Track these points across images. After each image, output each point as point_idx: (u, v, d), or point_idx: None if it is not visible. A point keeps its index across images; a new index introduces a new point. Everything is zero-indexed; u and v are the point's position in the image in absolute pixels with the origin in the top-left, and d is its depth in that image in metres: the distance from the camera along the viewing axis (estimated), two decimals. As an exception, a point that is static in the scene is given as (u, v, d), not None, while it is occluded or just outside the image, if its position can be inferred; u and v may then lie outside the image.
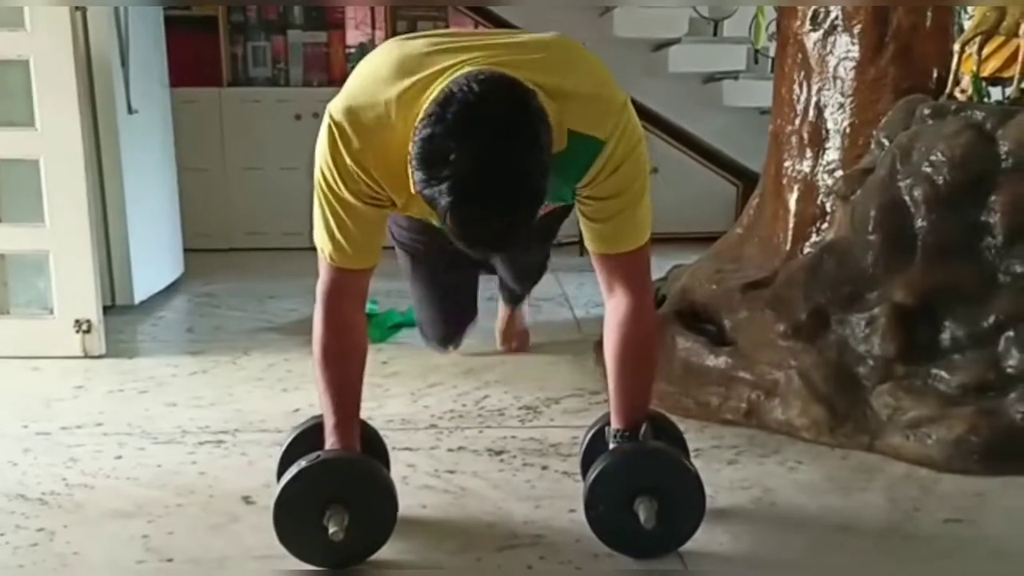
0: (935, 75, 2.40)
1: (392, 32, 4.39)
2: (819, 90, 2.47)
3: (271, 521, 1.48)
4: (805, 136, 2.49)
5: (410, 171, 1.27)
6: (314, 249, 1.53)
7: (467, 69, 1.32)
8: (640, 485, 1.52)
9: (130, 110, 3.10)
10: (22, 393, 2.38)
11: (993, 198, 2.09)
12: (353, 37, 4.42)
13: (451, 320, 2.44)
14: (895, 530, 1.68)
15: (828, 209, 2.40)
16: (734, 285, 2.40)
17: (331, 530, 1.45)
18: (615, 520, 1.54)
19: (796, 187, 2.49)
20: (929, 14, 2.38)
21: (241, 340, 2.87)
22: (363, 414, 1.62)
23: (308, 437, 1.64)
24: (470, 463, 1.95)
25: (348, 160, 1.39)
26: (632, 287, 1.55)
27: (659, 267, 2.40)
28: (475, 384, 2.44)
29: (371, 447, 1.64)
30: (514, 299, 2.70)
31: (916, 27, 2.38)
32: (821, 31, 2.46)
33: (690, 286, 2.52)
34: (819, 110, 2.47)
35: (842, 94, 2.43)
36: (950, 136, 2.12)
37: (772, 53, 4.03)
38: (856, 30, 2.40)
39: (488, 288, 2.67)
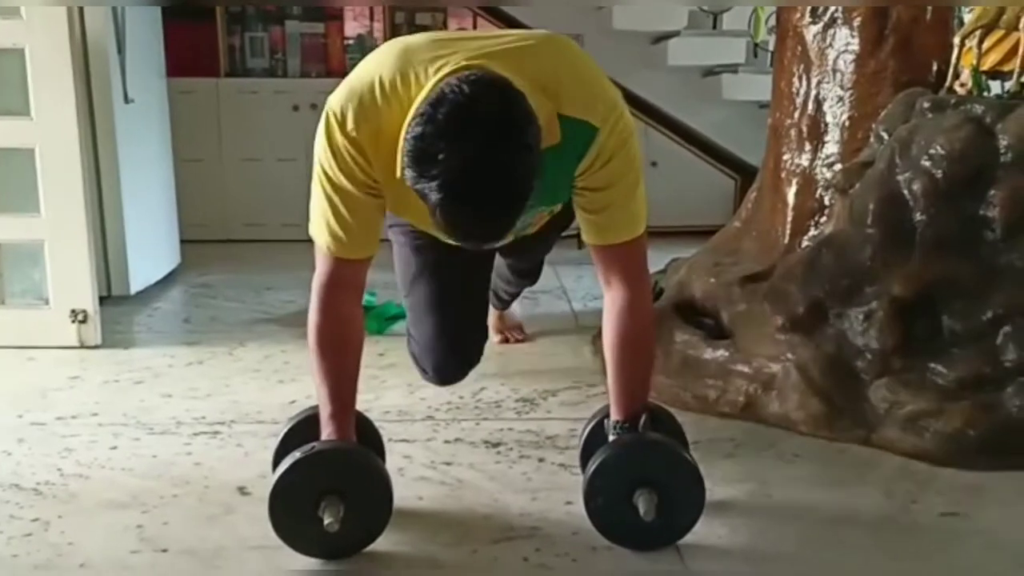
0: (935, 69, 2.39)
1: (390, 24, 4.38)
2: (818, 83, 2.46)
3: (266, 512, 1.48)
4: (804, 129, 2.48)
5: (399, 162, 1.30)
6: (311, 241, 1.53)
7: (460, 63, 1.35)
8: (640, 477, 1.52)
9: (126, 100, 3.08)
10: (17, 383, 2.37)
11: (992, 192, 2.08)
12: (351, 29, 4.41)
13: (462, 339, 2.01)
14: (892, 523, 1.67)
15: (827, 203, 2.40)
16: (732, 278, 2.40)
17: (326, 521, 1.44)
18: (614, 512, 1.53)
19: (795, 180, 2.49)
20: (929, 7, 2.37)
21: (238, 331, 2.86)
22: (359, 406, 1.62)
23: (303, 428, 1.63)
24: (467, 455, 1.95)
25: (341, 139, 1.41)
26: (629, 279, 1.56)
27: (657, 260, 2.40)
28: (472, 376, 2.41)
29: (367, 438, 1.63)
30: (503, 303, 2.70)
31: (916, 20, 2.37)
32: (821, 24, 2.45)
33: (688, 279, 2.51)
34: (818, 103, 2.46)
35: (841, 87, 2.42)
36: (950, 130, 2.11)
37: (771, 47, 4.02)
38: (856, 23, 2.39)
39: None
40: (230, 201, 4.25)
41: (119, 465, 1.88)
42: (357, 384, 1.58)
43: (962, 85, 2.32)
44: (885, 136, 2.26)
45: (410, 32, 1.62)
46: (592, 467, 1.54)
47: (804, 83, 2.49)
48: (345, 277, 1.52)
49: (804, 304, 2.18)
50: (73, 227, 2.58)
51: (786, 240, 2.45)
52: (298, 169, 4.09)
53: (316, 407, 1.60)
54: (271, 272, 3.61)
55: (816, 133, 2.46)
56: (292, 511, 1.48)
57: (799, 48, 2.50)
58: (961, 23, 2.39)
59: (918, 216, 2.12)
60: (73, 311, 2.63)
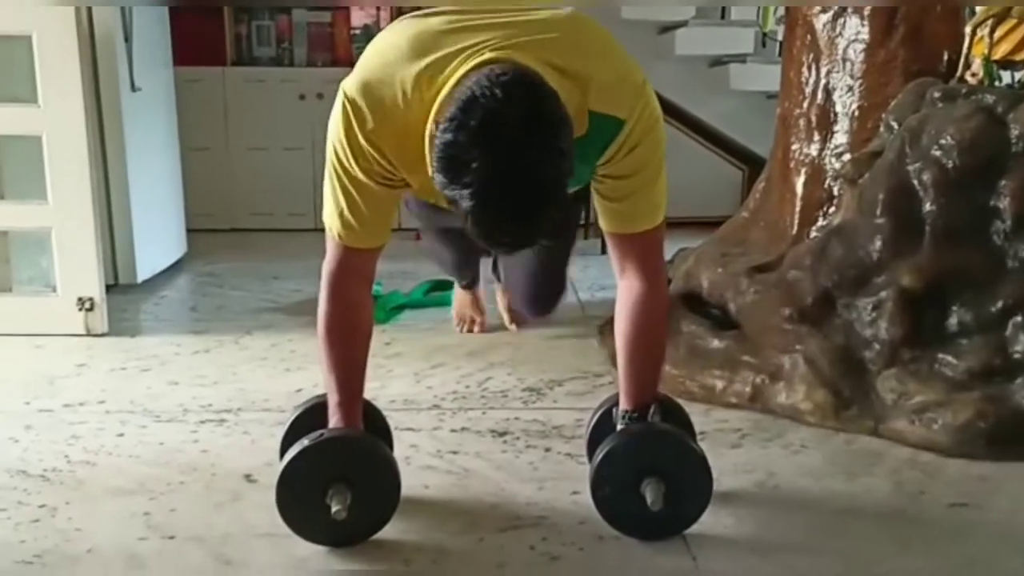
0: (946, 58, 2.38)
1: (397, 12, 4.36)
2: (828, 72, 2.45)
3: (273, 499, 1.48)
4: (813, 119, 2.47)
5: (428, 162, 1.27)
6: (317, 230, 1.52)
7: (487, 56, 1.31)
8: (647, 467, 1.52)
9: (133, 88, 3.08)
10: (24, 370, 2.37)
11: (1003, 182, 2.07)
12: (358, 18, 4.39)
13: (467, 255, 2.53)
14: (900, 514, 1.67)
15: (835, 193, 2.39)
16: (740, 269, 2.39)
17: (334, 509, 1.44)
18: (621, 501, 1.53)
19: (803, 170, 2.48)
20: (940, -3, 2.35)
21: (244, 320, 2.86)
22: (366, 395, 1.61)
23: (310, 416, 1.63)
24: (473, 444, 1.95)
25: (362, 139, 1.38)
26: (645, 268, 1.54)
27: (664, 251, 2.38)
28: (479, 366, 2.43)
29: (374, 427, 1.63)
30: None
31: (927, 9, 2.35)
32: (831, 13, 2.44)
33: (695, 269, 2.51)
34: (828, 93, 2.45)
35: (851, 76, 2.40)
36: (960, 120, 2.10)
37: (780, 37, 4.01)
38: (866, 12, 2.38)
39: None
40: (237, 190, 4.24)
41: (126, 452, 1.89)
42: (365, 373, 1.58)
43: (973, 75, 2.31)
44: (895, 126, 2.25)
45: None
46: (599, 456, 1.54)
47: (813, 73, 2.48)
48: (355, 265, 1.52)
49: (812, 294, 2.17)
50: (80, 215, 2.58)
51: (794, 230, 2.45)
52: (305, 158, 4.08)
53: (322, 396, 1.60)
54: (278, 261, 3.60)
55: (825, 123, 2.45)
56: (300, 498, 1.48)
57: (809, 37, 2.49)
58: (972, 12, 2.37)
59: (928, 206, 2.10)
60: (80, 299, 2.63)
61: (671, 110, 4.39)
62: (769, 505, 1.71)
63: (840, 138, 2.42)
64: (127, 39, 3.03)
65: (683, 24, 4.39)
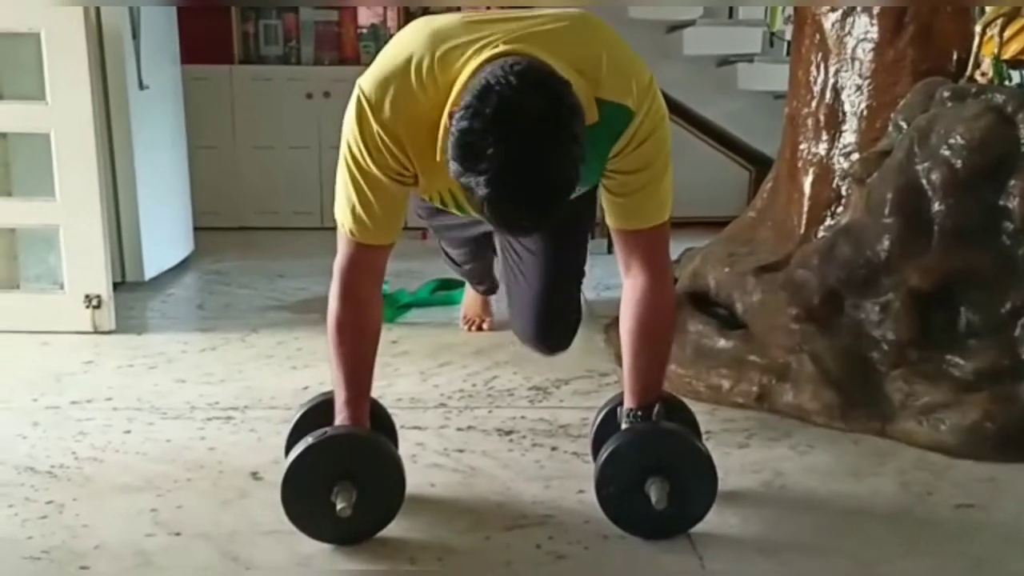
0: (955, 57, 2.36)
1: (404, 12, 4.36)
2: (836, 72, 2.44)
3: (279, 497, 1.48)
4: (821, 118, 2.46)
5: (440, 149, 1.31)
6: (324, 228, 1.53)
7: (501, 48, 1.33)
8: (652, 465, 1.51)
9: (141, 86, 3.08)
10: (32, 367, 2.38)
11: (1012, 182, 2.06)
12: (365, 17, 4.39)
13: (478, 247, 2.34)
14: (907, 514, 1.66)
15: (843, 192, 2.38)
16: (747, 268, 2.38)
17: (339, 506, 1.44)
18: (626, 500, 1.53)
19: (811, 170, 2.47)
20: (950, -4, 2.34)
21: (251, 318, 2.87)
22: (372, 393, 1.61)
23: (316, 414, 1.63)
24: (479, 443, 1.95)
25: (377, 129, 1.40)
26: (651, 265, 1.55)
27: (671, 250, 2.38)
28: (485, 364, 2.43)
29: (380, 425, 1.63)
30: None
31: (936, 9, 2.34)
32: (839, 12, 2.43)
33: (702, 269, 2.50)
34: (836, 92, 2.44)
35: (860, 76, 2.39)
36: (970, 119, 2.09)
37: (788, 36, 4.00)
38: (875, 11, 2.37)
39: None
40: (243, 188, 4.26)
41: (133, 449, 1.89)
42: (373, 370, 1.58)
43: (983, 74, 2.30)
44: (904, 125, 2.24)
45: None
46: (604, 455, 1.54)
47: (822, 72, 2.47)
48: (366, 262, 1.52)
49: (820, 294, 2.17)
50: (88, 212, 2.59)
51: (802, 230, 2.44)
52: (311, 157, 4.09)
53: (329, 393, 1.60)
54: (284, 259, 3.61)
55: (834, 122, 2.44)
56: (305, 496, 1.48)
57: (817, 36, 2.48)
58: (982, 11, 2.36)
59: (936, 206, 2.10)
60: (87, 296, 2.64)
61: (679, 110, 4.38)
62: (776, 505, 1.70)
63: (848, 137, 2.41)
64: (135, 37, 3.04)
65: (691, 24, 4.39)
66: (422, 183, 1.47)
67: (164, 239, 3.33)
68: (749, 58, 4.43)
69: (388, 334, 2.59)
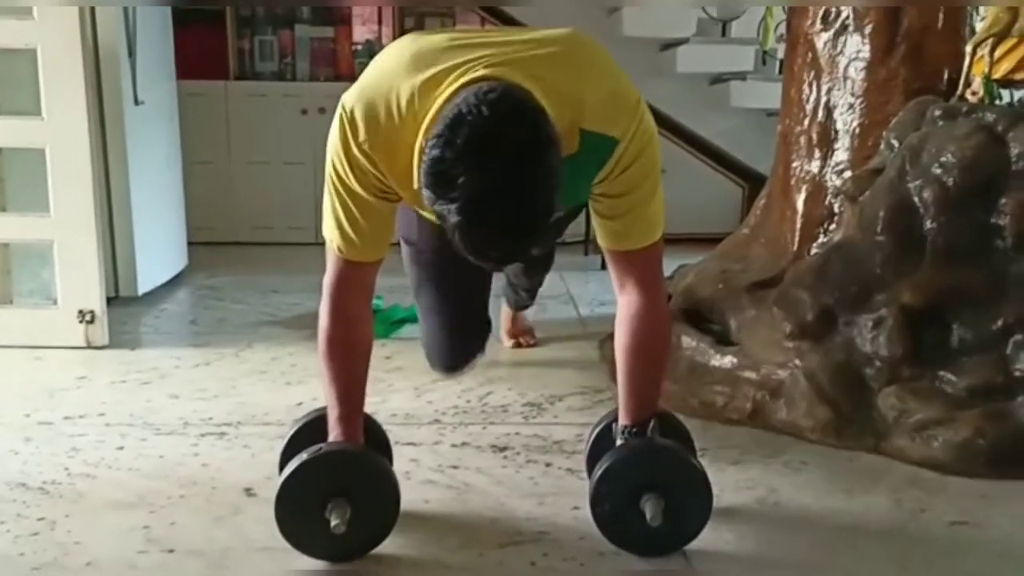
0: (946, 76, 2.39)
1: (399, 29, 4.38)
2: (829, 90, 2.45)
3: (273, 513, 1.47)
4: (814, 136, 2.47)
5: (416, 177, 1.29)
6: (318, 244, 1.53)
7: (479, 72, 1.32)
8: (647, 482, 1.51)
9: (136, 101, 3.09)
10: (25, 382, 2.37)
11: (1003, 201, 2.07)
12: (360, 34, 4.41)
13: (461, 334, 2.09)
14: (900, 531, 1.67)
15: (836, 210, 2.39)
16: (740, 285, 2.39)
17: (333, 523, 1.44)
18: (621, 517, 1.53)
19: (804, 188, 2.48)
20: (941, 15, 2.36)
21: (245, 333, 2.86)
22: (366, 409, 1.61)
23: (310, 430, 1.63)
24: (473, 459, 1.94)
25: (356, 151, 1.40)
26: (644, 284, 1.55)
27: (664, 267, 2.39)
28: (479, 380, 2.43)
29: (375, 441, 1.63)
30: (519, 305, 2.69)
31: (928, 28, 2.36)
32: (832, 31, 2.45)
33: (696, 285, 2.51)
34: (828, 110, 2.45)
35: (852, 94, 2.41)
36: (961, 138, 2.11)
37: (780, 54, 4.02)
38: (867, 30, 2.39)
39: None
40: (238, 204, 4.25)
41: (126, 465, 1.88)
42: (366, 386, 1.58)
43: (973, 93, 2.32)
44: (896, 144, 2.26)
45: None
46: (599, 472, 1.54)
47: (814, 90, 2.49)
48: (355, 278, 1.52)
49: (813, 311, 2.17)
50: (82, 227, 2.59)
51: (795, 247, 2.45)
52: (306, 172, 4.10)
53: (322, 409, 1.60)
54: (278, 275, 3.61)
55: (826, 140, 2.45)
56: (299, 513, 1.47)
57: (810, 55, 2.50)
58: (973, 31, 2.39)
59: (928, 224, 2.11)
60: (81, 311, 2.63)
61: (672, 127, 4.42)
62: (770, 522, 1.70)
63: (841, 155, 2.42)
64: (131, 53, 3.05)
65: (684, 41, 4.41)
66: (406, 199, 1.47)
67: (158, 254, 3.32)
68: (742, 76, 4.46)
69: (382, 350, 2.60)
